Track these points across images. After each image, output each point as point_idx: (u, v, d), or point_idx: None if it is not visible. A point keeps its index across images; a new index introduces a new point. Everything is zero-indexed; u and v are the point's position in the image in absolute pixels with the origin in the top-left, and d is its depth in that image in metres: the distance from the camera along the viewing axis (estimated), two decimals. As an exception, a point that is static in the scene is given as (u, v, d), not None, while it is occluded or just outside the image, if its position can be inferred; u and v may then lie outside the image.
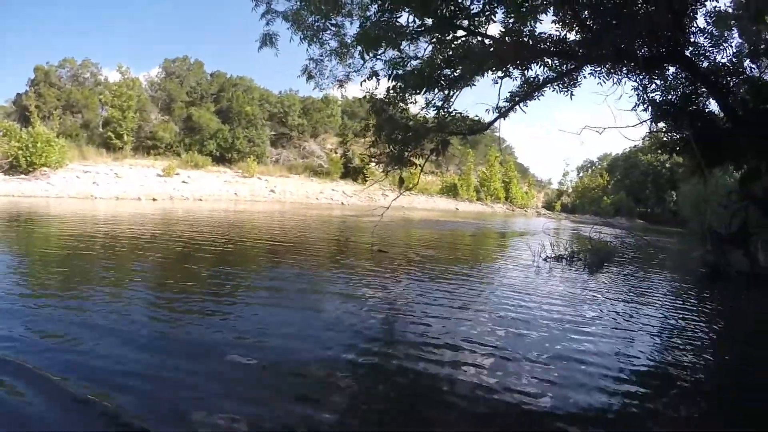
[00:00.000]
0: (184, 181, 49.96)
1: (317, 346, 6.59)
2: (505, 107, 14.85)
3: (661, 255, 22.20)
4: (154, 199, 39.24)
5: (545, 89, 14.69)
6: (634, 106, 14.83)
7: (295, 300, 9.23)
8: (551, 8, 13.13)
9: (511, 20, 13.13)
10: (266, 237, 19.28)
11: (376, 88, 14.05)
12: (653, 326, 9.30)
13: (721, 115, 15.38)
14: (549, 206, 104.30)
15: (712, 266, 16.67)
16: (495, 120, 15.08)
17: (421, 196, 73.67)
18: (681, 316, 10.43)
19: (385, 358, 6.32)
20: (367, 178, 68.88)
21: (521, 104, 14.73)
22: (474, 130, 15.73)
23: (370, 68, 14.03)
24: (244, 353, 6.09)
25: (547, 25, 14.93)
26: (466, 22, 13.26)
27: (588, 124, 16.73)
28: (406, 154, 14.81)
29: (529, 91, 14.60)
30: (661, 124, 15.34)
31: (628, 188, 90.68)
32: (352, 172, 72.32)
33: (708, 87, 14.29)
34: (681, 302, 12.06)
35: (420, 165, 15.69)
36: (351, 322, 7.84)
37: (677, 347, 8.05)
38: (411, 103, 14.85)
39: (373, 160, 15.54)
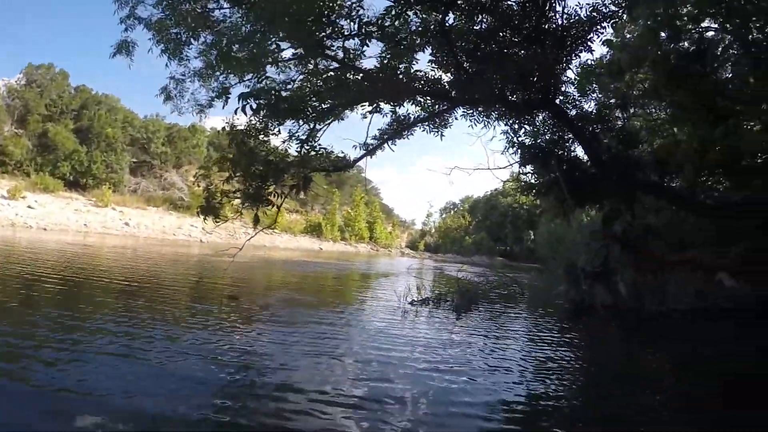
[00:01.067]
0: (30, 206, 45.12)
1: (162, 402, 5.61)
2: (372, 144, 14.74)
3: (525, 292, 22.64)
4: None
5: (415, 128, 14.75)
6: (505, 149, 15.41)
7: (133, 351, 7.58)
8: (429, 47, 13.10)
9: (387, 56, 12.86)
10: (111, 277, 16.89)
11: (237, 118, 13.04)
12: (525, 363, 9.26)
13: (586, 159, 16.23)
14: (413, 246, 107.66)
15: (576, 302, 17.26)
16: (361, 157, 14.89)
17: (284, 235, 72.39)
18: (552, 350, 10.52)
19: (239, 413, 5.61)
20: (219, 216, 64.96)
21: (390, 142, 14.66)
22: (339, 167, 15.39)
23: (229, 93, 13.14)
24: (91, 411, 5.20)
25: (423, 64, 15.00)
26: (340, 53, 12.86)
27: (455, 165, 16.67)
28: (264, 190, 14.05)
29: (398, 129, 14.55)
30: (529, 167, 15.93)
31: (489, 228, 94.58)
32: (211, 209, 67.68)
33: (575, 133, 15.06)
34: (550, 337, 12.20)
35: (277, 203, 14.75)
36: (200, 375, 6.72)
37: (548, 382, 8.13)
38: (273, 134, 14.11)
39: (227, 196, 14.59)
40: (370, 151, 14.78)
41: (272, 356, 8.00)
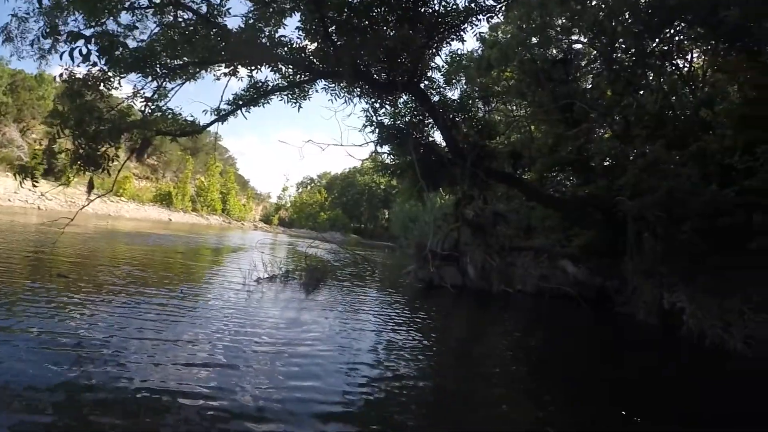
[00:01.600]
0: None
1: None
2: (226, 110, 14.00)
3: (377, 270, 22.58)
4: None
5: (273, 97, 14.17)
6: (363, 127, 15.30)
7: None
8: (298, 13, 12.46)
9: (254, 17, 12.02)
10: None
11: (76, 65, 11.21)
12: (372, 343, 9.30)
13: (444, 145, 16.48)
14: (267, 220, 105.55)
15: (426, 281, 17.62)
16: (212, 123, 14.01)
17: (132, 204, 67.42)
18: (400, 329, 10.64)
19: (69, 411, 4.87)
20: (36, 179, 57.72)
21: (244, 109, 14.00)
22: (186, 131, 14.34)
23: (59, 32, 11.62)
24: None
25: (289, 30, 14.37)
26: (204, 8, 11.98)
27: (309, 139, 16.22)
28: (97, 152, 12.42)
29: (255, 95, 13.90)
30: (386, 147, 15.91)
31: (344, 205, 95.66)
32: (27, 169, 58.75)
33: (435, 119, 15.19)
34: (399, 316, 12.26)
35: (111, 168, 13.09)
36: (20, 367, 5.72)
37: (398, 358, 8.36)
38: (114, 88, 12.61)
39: (54, 157, 13.37)
40: (222, 116, 13.99)
41: (107, 345, 6.92)
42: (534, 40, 23.25)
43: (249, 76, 13.86)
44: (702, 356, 11.43)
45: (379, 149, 15.70)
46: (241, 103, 13.88)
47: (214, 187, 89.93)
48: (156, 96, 13.08)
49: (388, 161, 16.93)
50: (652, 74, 19.90)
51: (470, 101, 16.49)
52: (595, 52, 24.22)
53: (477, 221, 17.53)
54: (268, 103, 14.25)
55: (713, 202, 12.41)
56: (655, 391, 8.00)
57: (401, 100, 15.43)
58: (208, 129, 14.54)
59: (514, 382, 7.95)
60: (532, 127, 25.11)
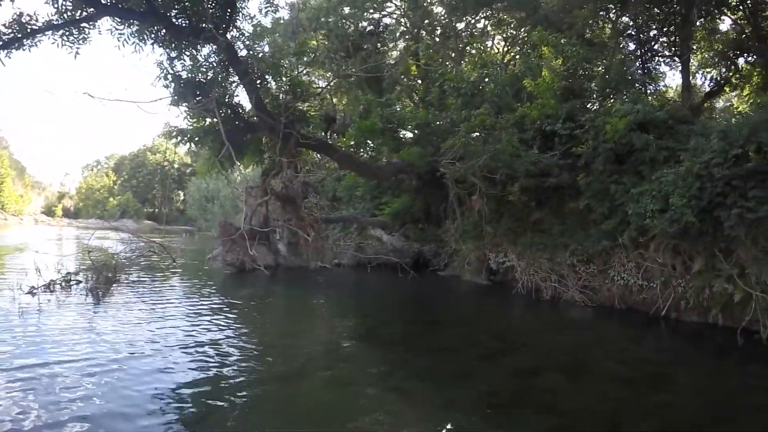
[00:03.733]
0: None
1: None
2: None
3: (177, 259, 19.80)
4: None
5: (43, 37, 11.30)
6: (156, 79, 12.82)
7: None
8: None
9: None
10: None
11: None
12: (185, 343, 7.97)
13: (249, 108, 14.59)
14: (49, 211, 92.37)
15: (236, 264, 15.86)
16: None
17: None
18: (214, 323, 9.42)
19: None
20: None
21: (4, 52, 10.95)
22: None
23: None
24: None
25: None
26: None
27: (85, 91, 13.04)
28: None
29: (18, 34, 10.98)
30: (184, 107, 13.55)
31: (136, 188, 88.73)
32: None
33: (241, 75, 13.12)
34: (211, 308, 10.78)
35: None
36: None
37: (213, 357, 7.39)
38: None
39: None
40: None
41: None
42: (346, 10, 23.01)
43: (14, 7, 10.75)
44: (545, 309, 12.16)
45: (174, 107, 13.20)
46: (1, 43, 10.79)
47: None
48: None
49: (185, 125, 14.50)
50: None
51: (282, 60, 14.53)
52: (403, 27, 24.96)
53: (286, 193, 15.95)
54: (36, 45, 11.26)
55: (538, 163, 12.73)
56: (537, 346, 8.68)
57: (203, 51, 13.17)
58: None
59: (346, 359, 7.79)
60: (341, 94, 24.47)
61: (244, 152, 14.54)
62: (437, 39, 24.58)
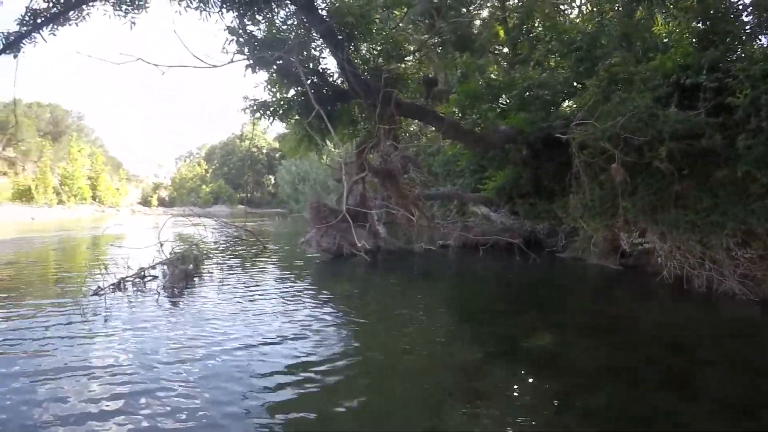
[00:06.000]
0: None
1: None
2: (16, 34, 9.48)
3: (268, 245, 18.42)
4: None
5: (92, 6, 9.89)
6: (227, 43, 11.15)
7: None
8: None
9: None
10: None
11: None
12: (283, 346, 6.65)
13: (338, 74, 12.92)
14: (145, 202, 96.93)
15: (333, 249, 14.32)
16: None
17: None
18: (316, 319, 7.99)
19: None
20: None
21: (48, 27, 9.60)
22: None
23: None
24: None
25: None
26: None
27: (138, 57, 10.90)
28: None
29: (63, 6, 9.52)
30: (264, 74, 11.95)
31: (227, 175, 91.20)
32: None
33: (325, 37, 11.32)
34: (310, 300, 9.41)
35: None
36: None
37: (318, 364, 6.06)
38: None
39: None
40: (11, 43, 9.36)
41: None
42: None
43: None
44: (701, 303, 9.53)
45: (252, 74, 11.54)
46: (42, 20, 9.38)
47: (80, 173, 79.34)
48: None
49: (267, 97, 12.90)
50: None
51: (370, 16, 12.48)
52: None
53: (385, 168, 14.06)
54: (84, 19, 9.91)
55: (685, 122, 10.07)
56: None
57: (280, 14, 11.47)
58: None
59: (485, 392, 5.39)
60: (427, 61, 22.55)
61: (335, 124, 12.74)
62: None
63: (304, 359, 6.08)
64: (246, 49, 11.06)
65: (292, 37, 11.45)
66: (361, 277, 12.26)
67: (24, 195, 67.01)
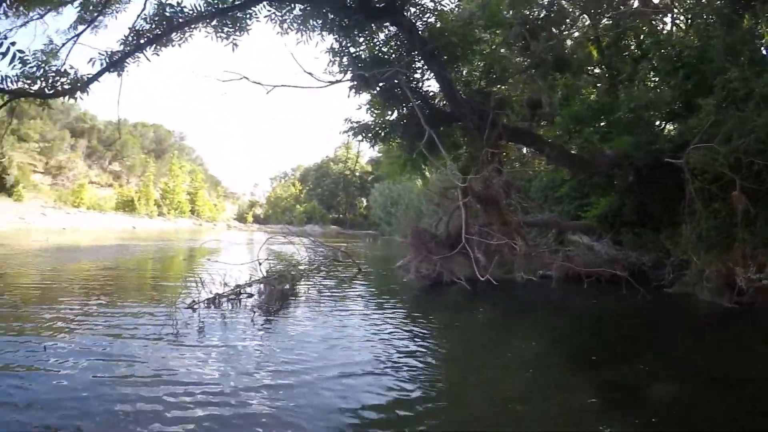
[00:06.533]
0: None
1: None
2: (120, 53, 9.74)
3: (363, 265, 18.30)
4: None
5: (194, 30, 10.08)
6: (329, 64, 11.15)
7: None
8: None
9: None
10: None
11: None
12: (375, 370, 6.51)
13: (438, 93, 12.71)
14: (241, 218, 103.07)
15: (432, 276, 13.88)
16: (102, 72, 9.69)
17: (90, 213, 63.44)
18: (405, 348, 7.62)
19: None
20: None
21: (151, 48, 9.93)
22: (58, 90, 9.43)
23: None
24: None
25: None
26: None
27: (242, 76, 10.92)
28: None
29: (165, 28, 9.74)
30: (365, 97, 11.88)
31: (320, 196, 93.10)
32: (6, 186, 55.49)
33: (428, 57, 11.14)
34: (401, 329, 9.02)
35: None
36: None
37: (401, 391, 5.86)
38: None
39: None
40: (116, 62, 9.68)
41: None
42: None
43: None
44: None
45: (355, 95, 11.47)
46: (144, 40, 9.69)
47: (180, 188, 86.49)
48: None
49: (368, 118, 12.81)
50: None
51: (471, 31, 12.13)
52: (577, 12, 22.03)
53: (488, 193, 13.59)
54: (187, 41, 10.17)
55: None
56: None
57: (380, 36, 11.39)
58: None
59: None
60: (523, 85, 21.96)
61: (436, 147, 12.50)
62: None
63: (398, 395, 5.70)
64: (349, 71, 11.03)
65: (393, 58, 11.32)
66: (460, 308, 11.78)
67: (127, 206, 74.02)
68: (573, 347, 8.57)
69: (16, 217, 46.22)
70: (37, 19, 9.99)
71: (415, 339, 8.24)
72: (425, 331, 8.96)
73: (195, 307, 9.74)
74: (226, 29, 9.95)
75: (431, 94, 12.74)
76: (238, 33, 10.01)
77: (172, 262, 22.98)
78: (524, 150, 20.15)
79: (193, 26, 9.96)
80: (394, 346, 7.61)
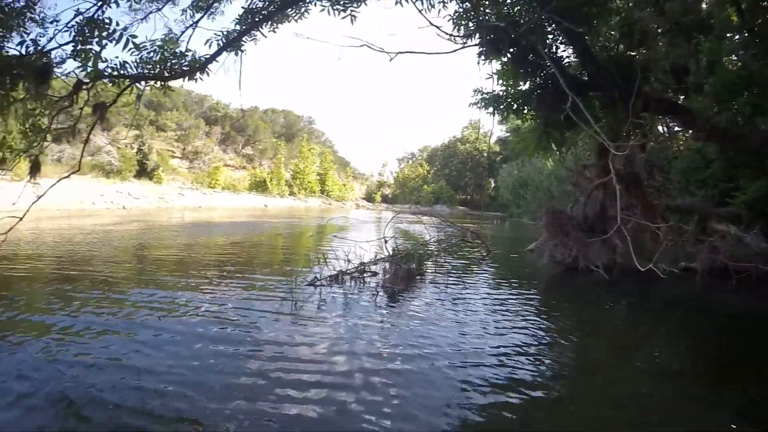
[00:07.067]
0: None
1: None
2: (236, 33, 9.56)
3: (491, 247, 17.42)
4: None
5: (309, 3, 9.64)
6: (454, 28, 10.38)
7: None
8: None
9: None
10: None
11: None
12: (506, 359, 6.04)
13: (573, 61, 11.66)
14: (369, 198, 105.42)
15: (567, 261, 13.00)
16: (219, 52, 9.55)
17: (225, 193, 68.87)
18: (538, 337, 7.16)
19: None
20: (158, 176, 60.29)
21: (266, 26, 9.69)
22: (176, 72, 9.27)
23: None
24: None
25: None
26: None
27: (363, 43, 10.17)
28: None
29: (280, 4, 9.41)
30: (495, 64, 11.02)
31: (448, 177, 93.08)
32: (147, 170, 60.18)
33: (561, 18, 10.12)
34: (534, 315, 8.37)
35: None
36: None
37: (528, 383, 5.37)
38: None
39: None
40: (232, 41, 9.48)
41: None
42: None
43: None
44: None
45: (483, 63, 10.62)
46: (258, 18, 9.46)
47: (310, 169, 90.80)
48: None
49: (498, 89, 11.97)
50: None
51: None
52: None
53: (632, 173, 12.29)
54: (304, 17, 9.90)
55: None
56: None
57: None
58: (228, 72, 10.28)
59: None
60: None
61: (571, 122, 11.42)
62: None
63: (520, 395, 5.07)
64: (476, 36, 10.27)
65: (523, 21, 10.31)
66: (596, 298, 10.69)
67: (260, 186, 78.79)
68: (722, 356, 7.21)
69: (157, 197, 50.62)
70: (156, 11, 10.17)
71: (545, 332, 7.53)
72: (556, 324, 8.17)
73: (317, 284, 9.67)
74: (342, 1, 9.44)
75: (565, 62, 11.66)
76: (355, 4, 9.46)
77: (299, 238, 23.48)
78: (659, 127, 18.38)
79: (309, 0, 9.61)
80: (523, 338, 6.95)
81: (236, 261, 13.39)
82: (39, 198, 8.54)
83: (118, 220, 29.64)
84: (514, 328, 7.42)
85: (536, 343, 6.81)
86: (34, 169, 8.90)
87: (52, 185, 8.80)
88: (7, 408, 4.22)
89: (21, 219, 8.44)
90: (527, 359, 6.02)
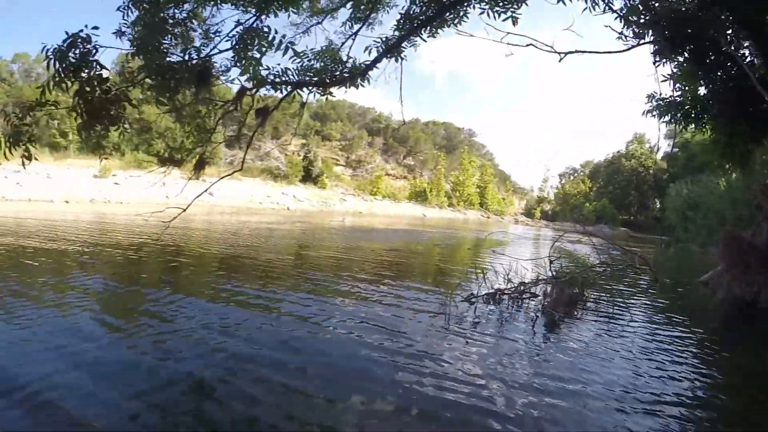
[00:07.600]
0: (116, 183, 44.49)
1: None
2: (394, 39, 9.56)
3: (658, 276, 15.76)
4: (66, 202, 34.04)
5: (467, 6, 9.32)
6: (623, 27, 9.48)
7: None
8: None
9: None
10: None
11: None
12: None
13: (754, 61, 10.42)
14: (528, 213, 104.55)
15: (746, 296, 11.51)
16: (379, 59, 9.50)
17: (385, 201, 72.17)
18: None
19: None
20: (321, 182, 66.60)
21: (424, 31, 9.58)
22: (337, 79, 9.33)
23: None
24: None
25: None
26: None
27: (528, 43, 9.40)
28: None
29: (437, 9, 9.19)
30: (668, 68, 10.03)
31: (611, 195, 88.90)
32: (312, 176, 67.84)
33: (738, 17, 9.02)
34: (715, 358, 7.47)
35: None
36: None
37: None
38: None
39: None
40: (390, 47, 9.43)
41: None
42: None
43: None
44: None
45: (658, 64, 9.68)
46: (417, 23, 9.37)
47: (470, 181, 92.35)
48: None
49: (671, 93, 10.90)
50: None
51: None
52: None
53: None
54: (463, 20, 9.66)
55: None
56: None
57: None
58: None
59: None
60: None
61: (759, 131, 10.17)
62: None
63: None
64: (650, 33, 9.45)
65: (701, 15, 9.25)
66: None
67: (419, 196, 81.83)
68: None
69: (320, 201, 54.86)
70: (316, 24, 10.89)
71: (714, 383, 6.52)
72: (731, 377, 7.00)
73: (473, 300, 9.43)
74: (502, 1, 8.98)
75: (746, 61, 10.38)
76: (516, 3, 8.97)
77: (457, 250, 23.45)
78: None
79: (466, 3, 9.32)
80: (687, 387, 6.08)
81: (392, 267, 13.96)
82: (201, 194, 9.47)
83: (281, 219, 33.64)
84: (677, 374, 6.51)
85: (699, 397, 5.91)
86: (199, 167, 9.45)
87: (214, 182, 10.14)
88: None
89: (184, 210, 9.15)
90: (683, 416, 5.25)
